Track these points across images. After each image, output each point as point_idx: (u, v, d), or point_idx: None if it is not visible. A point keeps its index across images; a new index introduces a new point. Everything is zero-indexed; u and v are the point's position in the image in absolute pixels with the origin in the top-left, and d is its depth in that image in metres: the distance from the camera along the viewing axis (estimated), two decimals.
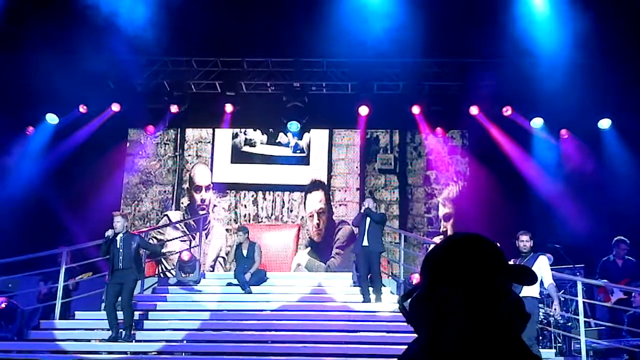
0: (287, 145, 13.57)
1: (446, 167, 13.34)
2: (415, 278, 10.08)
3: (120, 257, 8.63)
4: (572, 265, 9.68)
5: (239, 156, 13.60)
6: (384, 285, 10.23)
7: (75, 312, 9.71)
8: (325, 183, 13.42)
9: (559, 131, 12.49)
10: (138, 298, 9.68)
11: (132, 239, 8.83)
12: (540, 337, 8.65)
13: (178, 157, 13.60)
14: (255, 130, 13.64)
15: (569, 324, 8.75)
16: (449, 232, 12.85)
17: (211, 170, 13.56)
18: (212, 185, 13.47)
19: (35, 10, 10.36)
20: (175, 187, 13.48)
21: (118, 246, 8.67)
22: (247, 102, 12.70)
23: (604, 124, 12.07)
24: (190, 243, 12.58)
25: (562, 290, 9.09)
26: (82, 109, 12.35)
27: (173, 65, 12.39)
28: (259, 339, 8.81)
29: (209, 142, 13.69)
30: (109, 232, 8.72)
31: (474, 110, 12.35)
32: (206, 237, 12.87)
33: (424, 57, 11.78)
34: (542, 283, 7.43)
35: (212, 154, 13.63)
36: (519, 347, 1.35)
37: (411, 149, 13.54)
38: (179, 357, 8.74)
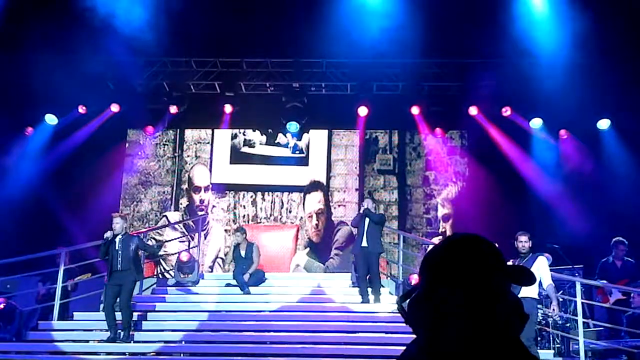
0: (286, 145, 13.57)
1: (445, 168, 13.33)
2: (414, 279, 10.06)
3: (119, 259, 8.62)
4: (571, 266, 9.66)
5: (238, 157, 13.60)
6: (383, 286, 10.22)
7: (74, 313, 9.70)
8: (324, 184, 13.42)
9: (558, 131, 12.50)
10: (137, 299, 9.67)
11: (131, 240, 8.82)
12: (539, 338, 8.64)
13: (177, 157, 13.59)
14: (254, 130, 13.63)
15: (568, 324, 8.75)
16: (448, 233, 12.85)
17: (210, 171, 13.55)
18: (211, 185, 13.46)
19: (35, 11, 10.36)
20: (174, 188, 13.47)
21: (117, 247, 8.67)
22: (246, 102, 12.70)
23: (603, 124, 12.09)
24: (189, 244, 12.57)
25: (561, 291, 9.08)
26: (82, 109, 12.36)
27: (172, 66, 12.40)
28: (258, 340, 8.80)
29: (208, 143, 13.69)
30: (108, 234, 8.71)
31: (473, 110, 12.37)
32: (205, 238, 12.86)
33: (423, 57, 11.79)
34: (541, 284, 7.42)
35: (211, 155, 13.63)
36: (517, 347, 1.35)
37: (410, 150, 13.54)
38: (177, 357, 8.72)
